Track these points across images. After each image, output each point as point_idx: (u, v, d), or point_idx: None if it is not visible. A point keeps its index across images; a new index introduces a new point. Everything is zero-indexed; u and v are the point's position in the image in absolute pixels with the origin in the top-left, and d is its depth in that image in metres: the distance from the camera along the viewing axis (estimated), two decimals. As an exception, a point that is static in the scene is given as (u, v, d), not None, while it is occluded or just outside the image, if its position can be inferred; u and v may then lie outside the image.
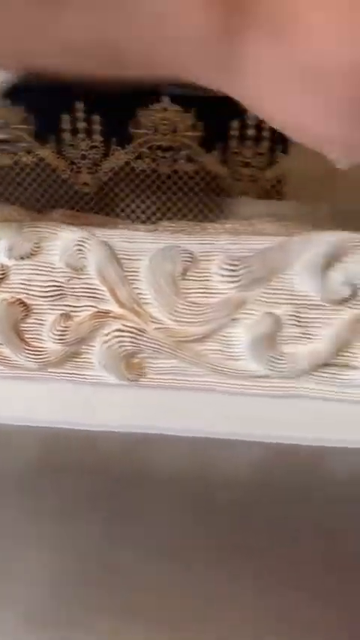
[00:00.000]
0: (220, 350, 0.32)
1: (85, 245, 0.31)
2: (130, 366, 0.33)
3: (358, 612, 0.26)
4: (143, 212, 0.35)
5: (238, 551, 0.28)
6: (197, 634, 0.25)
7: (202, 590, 0.27)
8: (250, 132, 0.31)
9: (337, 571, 0.28)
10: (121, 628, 0.25)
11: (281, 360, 0.32)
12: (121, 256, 0.33)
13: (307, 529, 0.29)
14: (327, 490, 0.32)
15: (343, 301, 0.30)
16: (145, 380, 0.34)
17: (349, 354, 0.31)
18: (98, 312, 0.32)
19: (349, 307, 0.30)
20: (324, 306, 0.31)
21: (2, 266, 0.32)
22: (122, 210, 0.35)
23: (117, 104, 0.32)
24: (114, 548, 0.28)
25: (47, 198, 0.34)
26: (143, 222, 0.35)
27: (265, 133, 0.31)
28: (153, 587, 0.27)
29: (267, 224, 0.33)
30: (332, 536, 0.29)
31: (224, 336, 0.32)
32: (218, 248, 0.32)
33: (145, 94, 0.31)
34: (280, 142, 0.31)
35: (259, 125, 0.31)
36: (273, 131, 0.31)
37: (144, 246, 0.33)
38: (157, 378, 0.34)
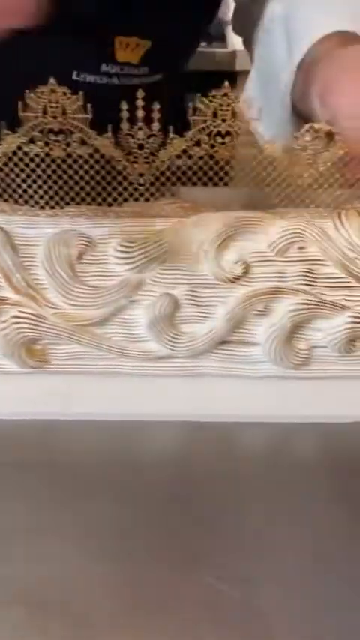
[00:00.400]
0: (121, 332, 0.32)
1: (-24, 231, 0.31)
2: (32, 353, 0.33)
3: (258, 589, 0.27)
4: (41, 197, 0.34)
5: (162, 530, 0.29)
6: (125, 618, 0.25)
7: (130, 574, 0.27)
8: (140, 113, 0.31)
9: (244, 546, 0.28)
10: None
11: (181, 339, 0.32)
12: (18, 242, 0.32)
13: (221, 504, 0.30)
14: (236, 464, 0.33)
15: (236, 279, 0.31)
16: (50, 366, 0.34)
17: (244, 331, 0.32)
18: (-6, 299, 0.32)
19: (242, 285, 0.31)
20: (219, 284, 0.31)
21: None
22: (20, 197, 0.34)
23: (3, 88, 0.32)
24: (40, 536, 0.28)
25: None
26: (42, 207, 0.34)
27: (155, 115, 0.31)
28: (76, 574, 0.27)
29: (169, 206, 0.34)
30: (241, 510, 0.30)
31: (124, 319, 0.32)
32: (116, 231, 0.32)
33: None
34: (172, 122, 0.32)
35: (148, 108, 0.31)
36: (162, 112, 0.31)
37: (42, 231, 0.32)
38: (61, 364, 0.34)
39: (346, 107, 0.35)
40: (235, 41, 1.23)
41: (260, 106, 0.32)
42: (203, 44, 1.29)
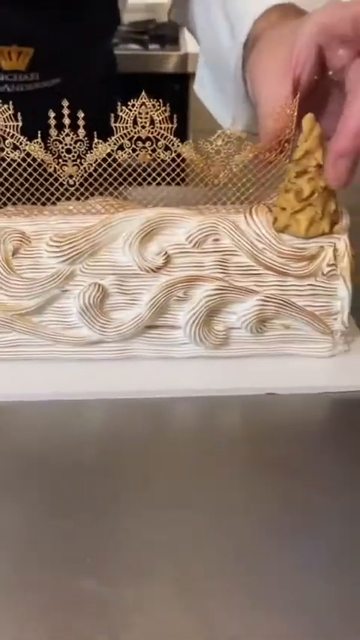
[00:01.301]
0: (56, 320, 0.36)
1: None
2: (-26, 341, 0.36)
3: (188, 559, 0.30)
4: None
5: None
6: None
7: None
8: (67, 120, 0.34)
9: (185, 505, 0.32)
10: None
11: (110, 325, 0.35)
12: None
13: (151, 471, 0.33)
14: (166, 435, 0.36)
15: (158, 269, 0.35)
16: (-8, 354, 0.37)
17: (168, 316, 0.35)
18: None
19: (164, 274, 0.35)
20: (143, 274, 0.35)
21: None
22: None
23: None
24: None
25: None
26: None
27: (81, 122, 0.34)
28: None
29: (100, 204, 0.37)
30: (172, 476, 0.33)
31: (58, 307, 0.35)
32: (49, 228, 0.35)
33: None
34: (96, 128, 0.35)
35: (74, 115, 0.34)
36: (87, 118, 0.34)
37: (-20, 229, 0.35)
38: (2, 352, 0.36)
39: (262, 104, 0.37)
40: (189, 44, 1.27)
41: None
42: (155, 47, 1.33)
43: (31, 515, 0.30)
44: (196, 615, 0.25)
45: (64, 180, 0.35)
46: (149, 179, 0.36)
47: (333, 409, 0.37)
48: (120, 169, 0.35)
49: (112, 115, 0.34)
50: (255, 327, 0.36)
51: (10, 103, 0.32)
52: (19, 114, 0.33)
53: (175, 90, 1.18)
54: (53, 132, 0.33)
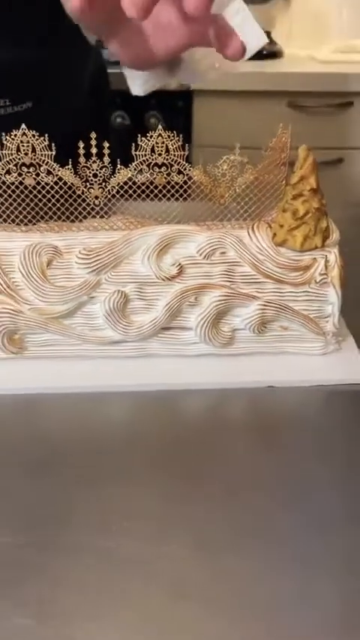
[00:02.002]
0: (84, 323, 0.41)
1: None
2: (12, 341, 0.41)
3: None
4: (17, 217, 0.42)
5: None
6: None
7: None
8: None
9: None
10: None
11: (131, 327, 0.40)
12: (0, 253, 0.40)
13: (172, 455, 0.38)
14: (179, 422, 0.41)
15: (173, 278, 0.40)
16: (28, 352, 0.42)
17: (181, 319, 0.41)
18: (-19, 298, 0.39)
19: (178, 282, 0.40)
20: (159, 282, 0.40)
21: None
22: (5, 219, 0.42)
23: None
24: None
25: None
26: (18, 224, 0.42)
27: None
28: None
29: (120, 222, 0.42)
30: (185, 456, 0.38)
31: (86, 312, 0.40)
32: (78, 242, 0.40)
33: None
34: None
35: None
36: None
37: (19, 244, 0.40)
38: (37, 350, 0.42)
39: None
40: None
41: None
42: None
43: (63, 490, 0.35)
44: (211, 565, 0.30)
45: (90, 200, 0.40)
46: (160, 195, 0.41)
47: (326, 400, 0.42)
48: (134, 187, 0.41)
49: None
50: (257, 328, 0.41)
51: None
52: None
53: (178, 106, 1.24)
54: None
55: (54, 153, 0.39)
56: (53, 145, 0.38)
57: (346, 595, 0.29)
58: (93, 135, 0.39)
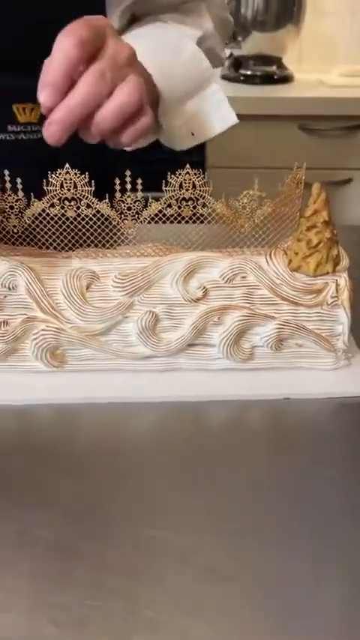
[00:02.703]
0: (118, 340, 0.45)
1: (17, 271, 0.43)
2: (55, 356, 0.45)
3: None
4: (59, 244, 0.47)
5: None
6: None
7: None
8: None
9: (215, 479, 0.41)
10: None
11: (161, 343, 0.45)
12: (44, 277, 0.45)
13: (197, 459, 0.42)
14: (203, 430, 0.44)
15: (198, 300, 0.44)
16: (68, 366, 0.46)
17: (205, 336, 0.45)
18: (27, 318, 0.44)
19: (203, 304, 0.44)
20: (186, 304, 0.44)
21: None
22: (43, 244, 0.47)
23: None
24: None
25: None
26: (59, 251, 0.47)
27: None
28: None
29: (150, 248, 0.46)
30: (207, 462, 0.42)
31: (120, 330, 0.45)
32: (113, 268, 0.45)
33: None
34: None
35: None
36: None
37: (60, 269, 0.45)
38: (76, 364, 0.46)
39: None
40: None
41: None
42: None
43: (100, 487, 0.38)
44: (235, 552, 0.34)
45: (125, 230, 0.45)
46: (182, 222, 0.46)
47: (337, 411, 0.46)
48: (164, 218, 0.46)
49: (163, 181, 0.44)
50: (274, 346, 0.45)
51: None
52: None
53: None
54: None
55: (93, 189, 0.44)
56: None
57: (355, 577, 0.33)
58: (128, 172, 0.44)
